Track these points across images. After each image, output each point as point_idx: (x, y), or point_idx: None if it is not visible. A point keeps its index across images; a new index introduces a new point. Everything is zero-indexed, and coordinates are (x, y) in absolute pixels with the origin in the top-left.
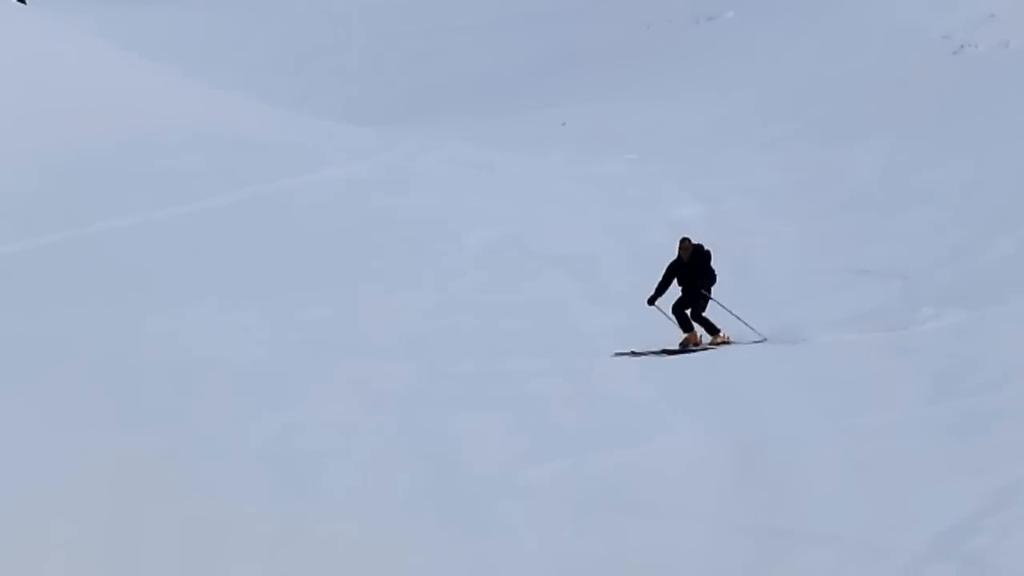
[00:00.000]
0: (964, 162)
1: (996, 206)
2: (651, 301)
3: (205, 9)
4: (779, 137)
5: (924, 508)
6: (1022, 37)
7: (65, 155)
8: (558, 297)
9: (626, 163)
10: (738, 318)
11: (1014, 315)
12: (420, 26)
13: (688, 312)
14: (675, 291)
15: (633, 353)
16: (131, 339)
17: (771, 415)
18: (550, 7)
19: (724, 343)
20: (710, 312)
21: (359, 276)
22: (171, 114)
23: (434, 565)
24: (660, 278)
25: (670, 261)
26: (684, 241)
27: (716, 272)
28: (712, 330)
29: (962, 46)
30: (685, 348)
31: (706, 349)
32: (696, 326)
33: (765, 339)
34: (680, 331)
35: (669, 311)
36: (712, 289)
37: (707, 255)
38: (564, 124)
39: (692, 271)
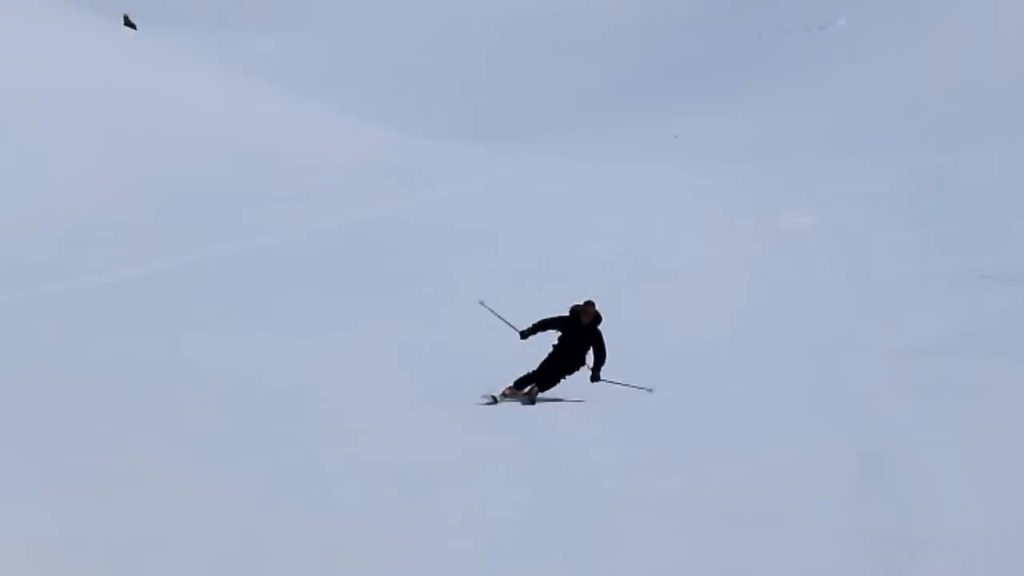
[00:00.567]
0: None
1: None
2: (523, 335)
3: (321, 35)
4: (891, 144)
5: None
6: None
7: (184, 181)
8: (670, 309)
9: (737, 171)
10: (626, 385)
11: None
12: (531, 43)
13: (551, 372)
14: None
15: (492, 399)
16: (245, 361)
17: (892, 424)
18: (660, 20)
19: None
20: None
21: (474, 290)
22: (288, 138)
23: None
24: (542, 320)
25: (562, 316)
26: (589, 306)
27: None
28: (543, 387)
29: None
30: (528, 398)
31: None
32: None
33: (652, 389)
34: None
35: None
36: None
37: (599, 320)
38: (676, 136)
39: (586, 339)
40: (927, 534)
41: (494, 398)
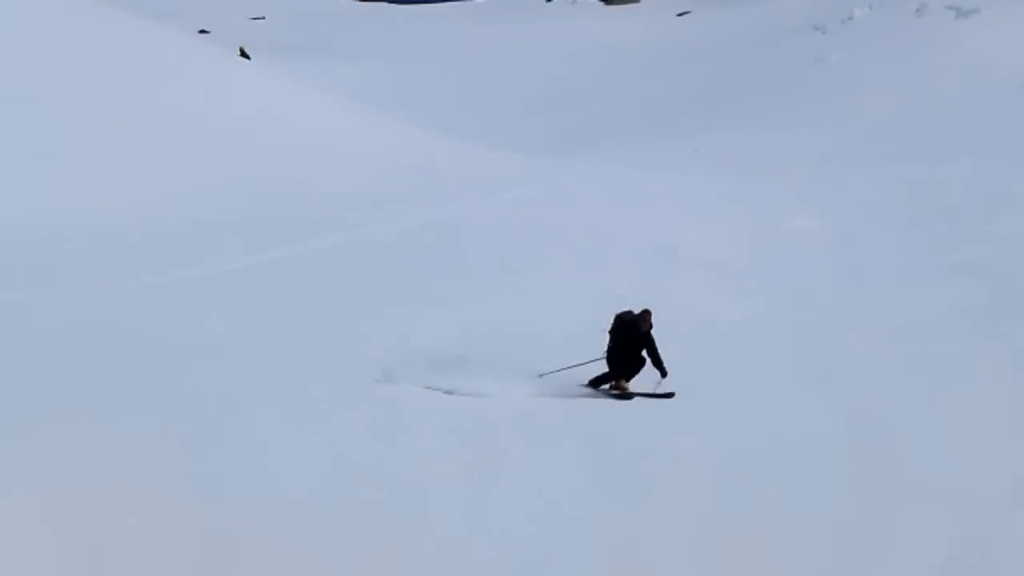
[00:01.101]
0: (996, 201)
1: None
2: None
3: (395, 62)
4: (881, 157)
5: (1007, 463)
6: None
7: (285, 184)
8: (696, 292)
9: (751, 180)
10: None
11: None
12: (580, 71)
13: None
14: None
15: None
16: (347, 337)
17: (881, 390)
18: (687, 55)
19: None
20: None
21: (534, 278)
22: (371, 148)
23: (594, 519)
24: (612, 338)
25: (620, 325)
26: (647, 314)
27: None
28: (602, 382)
29: (1014, 85)
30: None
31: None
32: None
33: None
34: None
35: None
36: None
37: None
38: (696, 151)
39: (642, 343)
40: (905, 481)
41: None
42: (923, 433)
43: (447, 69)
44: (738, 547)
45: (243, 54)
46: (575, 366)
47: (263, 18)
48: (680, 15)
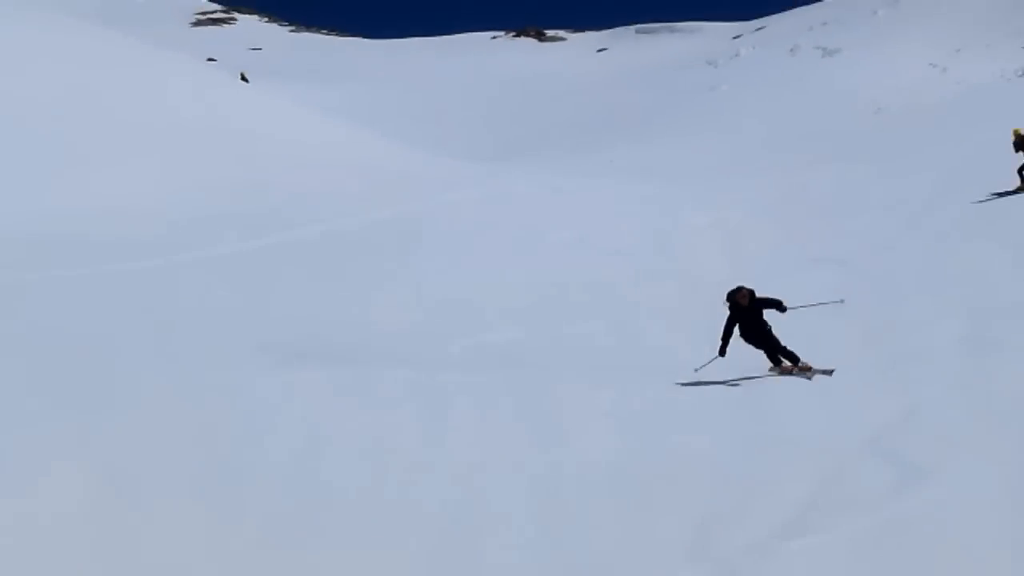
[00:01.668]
0: (889, 183)
1: (911, 213)
2: (722, 353)
3: (367, 85)
4: (760, 167)
5: (865, 418)
6: (922, 101)
7: (274, 184)
8: (610, 278)
9: (651, 184)
10: (812, 305)
11: (914, 285)
12: (517, 94)
13: (767, 349)
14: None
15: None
16: (321, 306)
17: (755, 357)
18: (604, 81)
19: (807, 370)
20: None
21: (475, 264)
22: (347, 155)
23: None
24: (724, 331)
25: (729, 316)
26: (740, 291)
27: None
28: (794, 359)
29: (879, 108)
30: (802, 373)
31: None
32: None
33: (842, 300)
34: (774, 363)
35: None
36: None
37: (753, 293)
38: (612, 161)
39: (756, 313)
40: (776, 433)
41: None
42: (793, 392)
43: (408, 91)
44: (641, 485)
45: (243, 78)
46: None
47: (260, 49)
48: (599, 51)
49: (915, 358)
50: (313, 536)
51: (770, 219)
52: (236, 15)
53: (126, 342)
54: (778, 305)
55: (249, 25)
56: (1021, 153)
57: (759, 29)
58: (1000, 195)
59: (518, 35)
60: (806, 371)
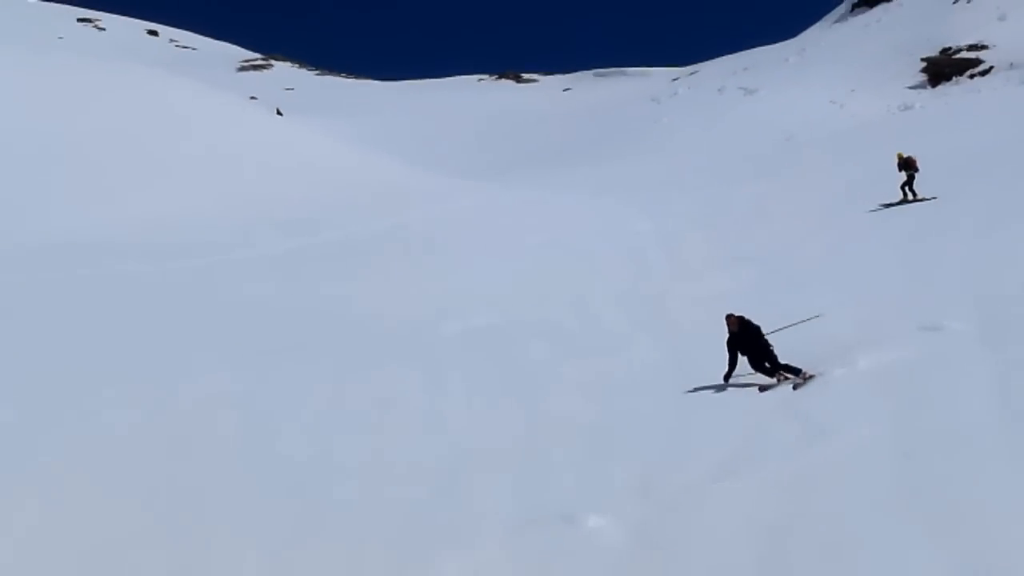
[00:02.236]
0: (796, 196)
1: (814, 221)
2: (727, 377)
3: (376, 118)
4: (693, 184)
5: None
6: (824, 131)
7: (304, 197)
8: (572, 271)
9: (606, 197)
10: (794, 324)
11: (815, 278)
12: (498, 125)
13: (767, 365)
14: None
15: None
16: (342, 295)
17: (694, 330)
18: (569, 114)
19: (810, 378)
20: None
21: (464, 262)
22: (360, 174)
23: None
24: (729, 359)
25: (731, 344)
26: (729, 318)
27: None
28: (795, 371)
29: (789, 137)
30: (796, 384)
31: (801, 383)
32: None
33: (819, 315)
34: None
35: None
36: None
37: (757, 327)
38: (579, 179)
39: (752, 340)
40: (705, 394)
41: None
42: (718, 362)
43: (410, 123)
44: (597, 437)
45: (278, 112)
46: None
47: (292, 89)
48: (565, 90)
49: (815, 336)
50: (336, 473)
51: (700, 226)
52: (273, 62)
53: (179, 323)
54: (762, 338)
55: (283, 70)
56: (903, 172)
57: (693, 73)
58: (887, 206)
59: (500, 77)
60: (800, 379)
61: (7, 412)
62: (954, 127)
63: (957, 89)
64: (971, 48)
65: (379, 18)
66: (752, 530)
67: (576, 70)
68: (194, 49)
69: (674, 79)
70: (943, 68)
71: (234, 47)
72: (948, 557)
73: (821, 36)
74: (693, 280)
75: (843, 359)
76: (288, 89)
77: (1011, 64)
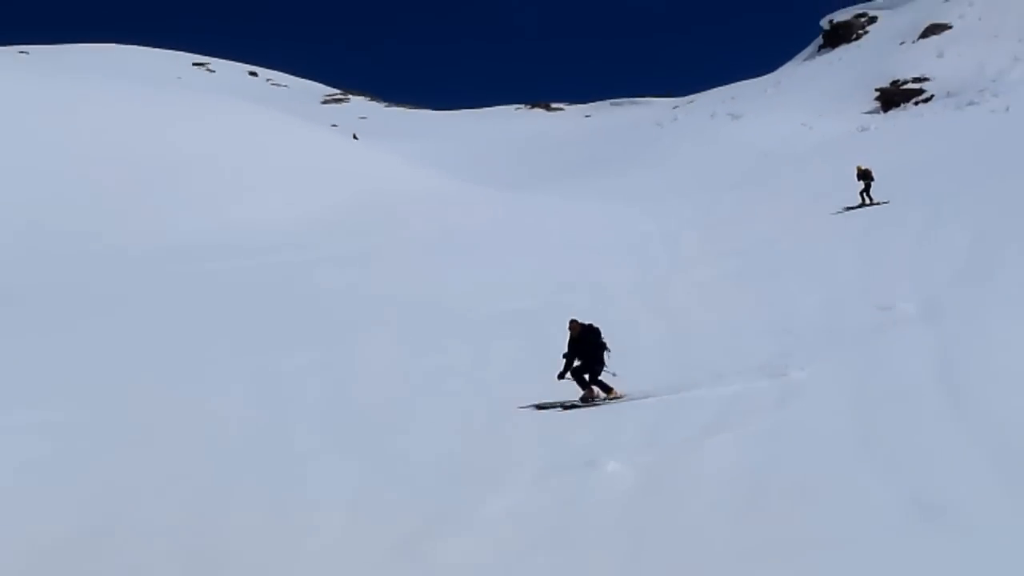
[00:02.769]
0: (772, 202)
1: (787, 221)
2: (561, 376)
3: (432, 142)
4: (687, 193)
5: (754, 351)
6: (795, 149)
7: (374, 206)
8: (590, 266)
9: (617, 204)
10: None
11: (788, 267)
12: (530, 145)
13: (587, 376)
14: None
15: (537, 407)
16: (406, 291)
17: (685, 308)
18: (588, 136)
19: (617, 398)
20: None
21: (500, 257)
22: (419, 186)
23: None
24: (565, 356)
25: (570, 345)
26: (573, 323)
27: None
28: (607, 389)
29: (767, 153)
30: (586, 402)
31: (601, 403)
32: (594, 387)
33: (614, 374)
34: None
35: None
36: (606, 359)
37: (596, 332)
38: (595, 189)
39: (587, 345)
40: (698, 354)
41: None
42: (709, 334)
43: (460, 145)
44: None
45: (354, 137)
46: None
47: (366, 118)
48: (586, 116)
49: (790, 314)
50: (402, 425)
51: (694, 226)
52: (350, 96)
53: (278, 307)
54: (601, 353)
55: (359, 103)
56: (861, 181)
57: (690, 102)
58: (848, 209)
59: (533, 107)
60: (617, 398)
61: (151, 373)
62: (902, 144)
63: (904, 114)
64: (915, 80)
65: (436, 58)
66: (738, 473)
67: (596, 100)
68: (286, 87)
69: (674, 107)
70: (893, 96)
71: (319, 84)
72: (898, 492)
73: (794, 71)
74: (689, 270)
75: (810, 332)
76: (362, 118)
77: (948, 93)
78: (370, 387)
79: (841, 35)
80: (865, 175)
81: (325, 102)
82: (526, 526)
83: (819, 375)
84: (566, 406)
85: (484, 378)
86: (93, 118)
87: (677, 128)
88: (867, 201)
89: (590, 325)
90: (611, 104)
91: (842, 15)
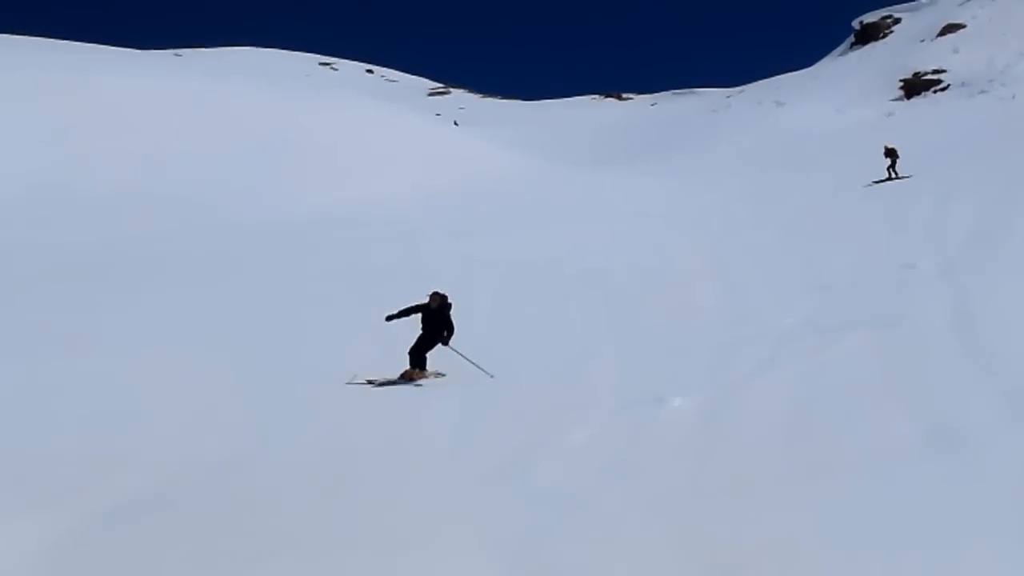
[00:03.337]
0: (812, 177)
1: (825, 194)
2: (388, 318)
3: (523, 128)
4: (737, 171)
5: (795, 307)
6: (830, 131)
7: (472, 184)
8: (654, 229)
9: (677, 180)
10: (471, 362)
11: (827, 233)
12: (603, 130)
13: (419, 350)
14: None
15: (369, 383)
16: (499, 253)
17: (741, 272)
18: (653, 122)
19: (424, 378)
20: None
21: (580, 224)
22: (510, 165)
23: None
24: (406, 308)
25: (420, 303)
26: (435, 294)
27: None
28: (422, 367)
29: (806, 136)
30: (408, 379)
31: (420, 382)
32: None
33: (493, 376)
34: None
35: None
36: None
37: (449, 306)
38: (659, 169)
39: (438, 320)
40: (743, 311)
41: (370, 382)
42: (756, 282)
43: (544, 131)
44: (676, 346)
45: (455, 124)
46: None
47: (464, 108)
48: (652, 105)
49: (827, 272)
50: (498, 373)
51: (743, 199)
52: (452, 90)
53: (397, 268)
54: (450, 331)
55: (459, 95)
56: (887, 159)
57: (741, 91)
58: (876, 182)
59: (606, 96)
60: (421, 378)
61: (288, 322)
62: (923, 127)
63: (924, 101)
64: (934, 72)
65: (525, 54)
66: (784, 407)
67: (660, 90)
68: (396, 82)
69: (727, 96)
70: (915, 86)
71: (425, 80)
72: (921, 423)
73: (829, 65)
74: (740, 234)
75: (845, 287)
76: (461, 108)
77: (962, 83)
78: (472, 335)
79: (870, 34)
80: (891, 153)
81: (430, 95)
82: (604, 454)
83: (852, 324)
84: (393, 381)
85: (567, 326)
86: (236, 110)
87: (729, 114)
88: (893, 176)
89: (445, 299)
90: (673, 94)
91: (871, 17)
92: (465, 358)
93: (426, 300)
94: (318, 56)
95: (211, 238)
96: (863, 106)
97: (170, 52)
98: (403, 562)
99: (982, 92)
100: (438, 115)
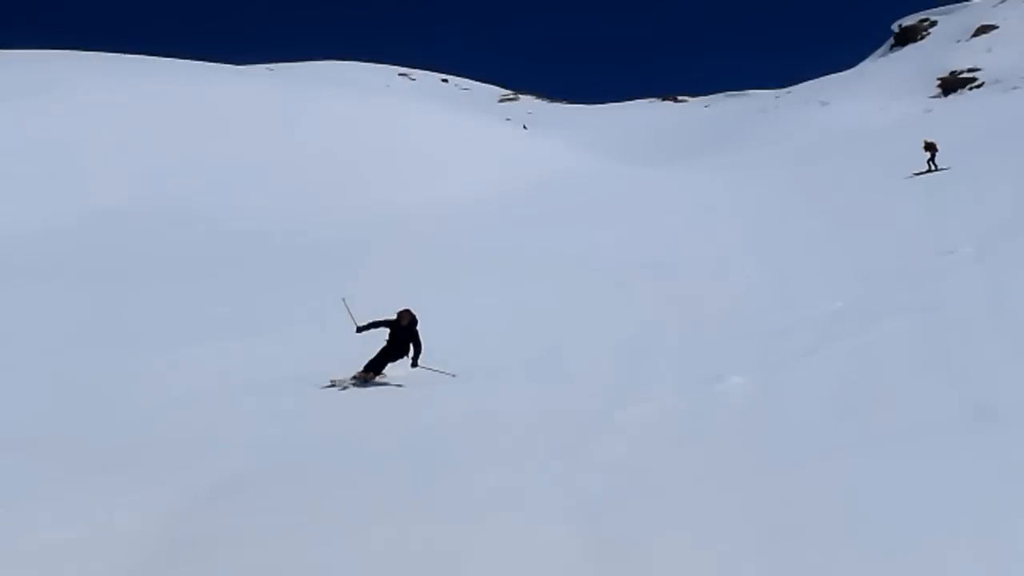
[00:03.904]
0: (856, 170)
1: (867, 185)
2: (359, 330)
3: (586, 130)
4: (785, 164)
5: (833, 296)
6: (873, 127)
7: (537, 180)
8: (708, 221)
9: (731, 175)
10: (436, 371)
11: (870, 220)
12: (662, 128)
13: (377, 364)
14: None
15: (332, 383)
16: (555, 243)
17: (786, 253)
18: (707, 122)
19: (366, 379)
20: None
21: (638, 217)
22: (576, 165)
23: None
24: (376, 321)
25: (389, 319)
26: (404, 312)
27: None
28: (377, 372)
29: (851, 132)
30: (363, 380)
31: (379, 383)
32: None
33: (454, 375)
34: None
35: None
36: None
37: (416, 323)
38: (713, 165)
39: (403, 337)
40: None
41: (337, 382)
42: (804, 269)
43: (607, 132)
44: (729, 323)
45: (524, 127)
46: None
47: (532, 113)
48: (706, 106)
49: (870, 258)
50: (565, 356)
51: (791, 190)
52: (520, 96)
53: (463, 259)
54: (416, 351)
55: (528, 101)
56: (927, 152)
57: (788, 92)
58: (916, 174)
59: (664, 99)
60: (369, 379)
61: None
62: (959, 122)
63: (961, 98)
64: (969, 70)
65: (590, 62)
66: (834, 383)
67: (713, 93)
68: (469, 90)
69: (776, 96)
70: (951, 84)
71: (496, 87)
72: (961, 398)
73: (871, 65)
74: (788, 224)
75: (888, 273)
76: (529, 113)
77: (996, 80)
78: (539, 323)
79: (909, 36)
80: (930, 147)
81: (501, 101)
82: (667, 428)
83: (895, 306)
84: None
85: (628, 311)
86: (326, 118)
87: (778, 114)
88: (932, 168)
89: (414, 317)
90: (725, 96)
91: (909, 20)
92: (433, 371)
93: (394, 317)
94: (396, 67)
95: (340, 227)
96: (903, 103)
97: (262, 67)
98: (486, 526)
99: (1015, 88)
100: (508, 120)
